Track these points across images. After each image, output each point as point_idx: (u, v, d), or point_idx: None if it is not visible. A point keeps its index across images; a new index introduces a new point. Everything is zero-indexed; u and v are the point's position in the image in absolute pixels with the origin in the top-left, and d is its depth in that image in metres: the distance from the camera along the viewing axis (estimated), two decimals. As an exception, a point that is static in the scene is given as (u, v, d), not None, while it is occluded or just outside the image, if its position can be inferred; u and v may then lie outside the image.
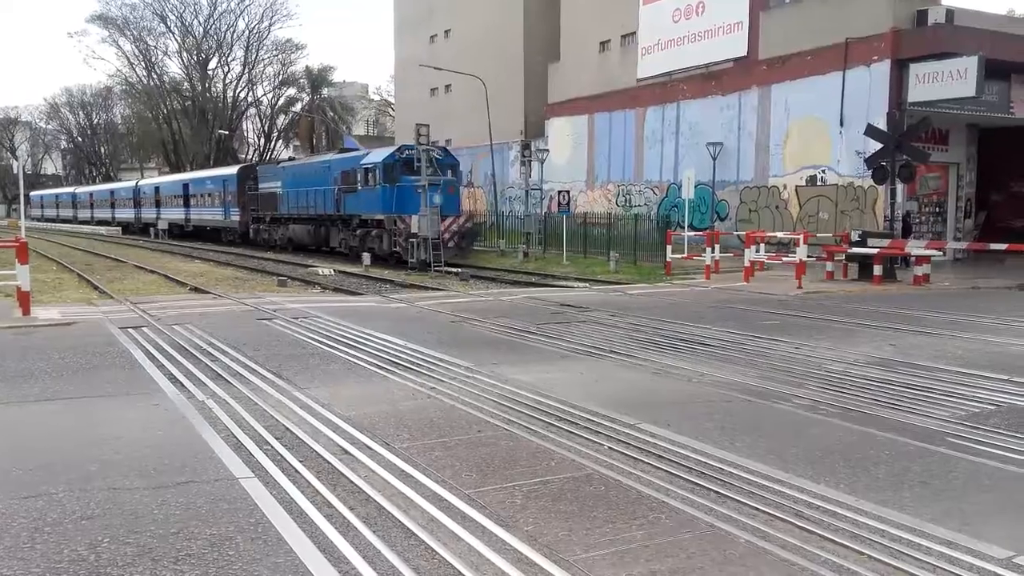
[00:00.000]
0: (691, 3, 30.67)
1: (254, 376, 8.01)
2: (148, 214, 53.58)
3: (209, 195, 43.88)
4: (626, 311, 13.53)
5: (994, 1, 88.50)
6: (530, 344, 10.24)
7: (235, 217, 40.25)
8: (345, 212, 29.01)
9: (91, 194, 68.25)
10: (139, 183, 58.02)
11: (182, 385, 7.59)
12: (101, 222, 62.32)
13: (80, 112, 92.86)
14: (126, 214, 58.18)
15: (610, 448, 5.68)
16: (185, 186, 47.37)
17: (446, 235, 25.57)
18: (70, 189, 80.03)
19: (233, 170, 42.03)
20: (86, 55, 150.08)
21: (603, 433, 6.05)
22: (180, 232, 47.54)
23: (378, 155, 27.64)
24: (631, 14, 33.52)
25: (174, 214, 49.12)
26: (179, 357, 8.99)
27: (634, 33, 33.86)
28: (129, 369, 8.40)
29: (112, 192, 63.05)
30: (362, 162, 27.69)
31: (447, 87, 48.08)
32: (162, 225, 50.73)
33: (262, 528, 4.26)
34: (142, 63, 73.31)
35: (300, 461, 5.36)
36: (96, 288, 18.16)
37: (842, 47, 24.45)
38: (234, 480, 4.99)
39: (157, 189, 52.45)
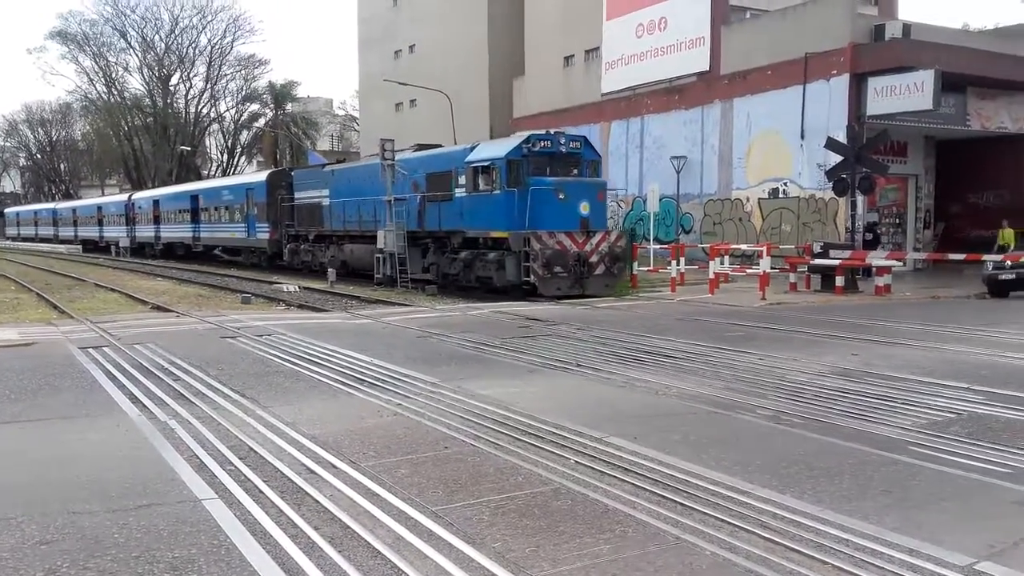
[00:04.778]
0: (653, 18, 31.00)
1: (217, 396, 7.92)
2: (145, 232, 46.85)
3: (227, 208, 36.52)
4: (593, 324, 13.57)
5: (949, 15, 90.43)
6: (497, 359, 10.23)
7: (263, 235, 32.72)
8: (441, 227, 21.57)
9: (74, 210, 61.70)
10: (133, 196, 50.99)
11: (144, 406, 7.49)
12: (87, 242, 56.42)
13: (39, 129, 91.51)
14: (116, 232, 51.13)
15: (577, 462, 5.69)
16: (194, 198, 40.23)
17: (593, 257, 18.94)
18: (50, 205, 73.36)
19: (261, 176, 35.00)
20: (45, 72, 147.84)
21: (570, 447, 6.06)
22: (186, 252, 41.45)
23: (495, 148, 20.34)
24: (595, 29, 33.81)
25: (179, 231, 42.33)
26: (141, 377, 8.87)
27: (598, 48, 34.17)
28: (89, 390, 8.27)
29: (100, 207, 56.08)
30: (468, 159, 20.34)
31: (412, 102, 48.13)
32: (122, 243, 48.91)
33: (225, 550, 4.20)
34: (102, 79, 72.54)
35: (264, 481, 5.30)
36: (56, 308, 17.85)
37: (802, 62, 24.82)
38: (197, 501, 4.92)
39: (156, 203, 45.41)
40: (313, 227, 28.71)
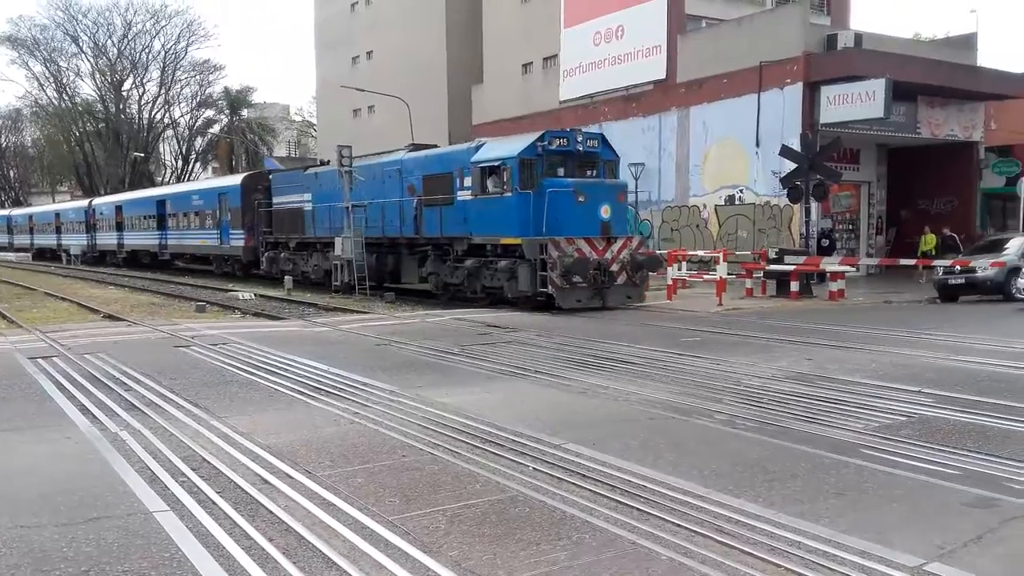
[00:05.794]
0: (611, 27, 31.23)
1: (170, 406, 7.79)
2: (107, 239, 44.95)
3: (197, 214, 34.67)
4: (552, 331, 13.60)
5: (901, 25, 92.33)
6: (456, 366, 10.20)
7: (237, 242, 30.80)
8: (443, 233, 19.81)
9: (30, 217, 60.47)
10: (94, 202, 49.09)
11: (94, 417, 7.34)
12: (43, 250, 55.11)
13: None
14: (76, 240, 49.43)
15: (535, 469, 5.68)
16: (160, 203, 38.49)
17: (614, 266, 17.38)
18: (4, 212, 70.99)
19: (236, 180, 33.02)
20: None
21: (528, 454, 6.05)
22: (152, 261, 39.44)
23: (505, 147, 18.45)
24: (553, 37, 33.97)
25: (144, 239, 40.77)
26: (91, 388, 8.69)
27: (556, 56, 34.32)
28: (38, 401, 8.10)
29: (58, 214, 54.29)
30: (475, 159, 18.59)
31: (370, 108, 47.94)
32: (74, 251, 47.30)
33: (177, 563, 4.13)
34: (53, 85, 71.41)
35: (218, 492, 5.22)
36: (4, 317, 17.46)
37: (756, 70, 25.16)
38: (148, 514, 4.83)
39: (119, 208, 43.47)
40: (295, 234, 26.84)
